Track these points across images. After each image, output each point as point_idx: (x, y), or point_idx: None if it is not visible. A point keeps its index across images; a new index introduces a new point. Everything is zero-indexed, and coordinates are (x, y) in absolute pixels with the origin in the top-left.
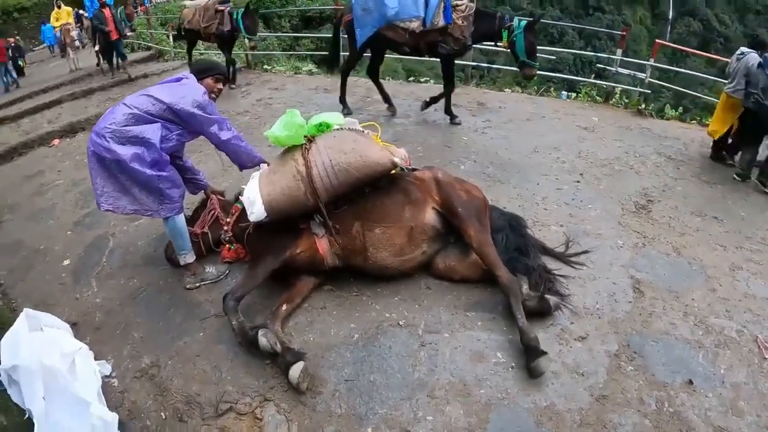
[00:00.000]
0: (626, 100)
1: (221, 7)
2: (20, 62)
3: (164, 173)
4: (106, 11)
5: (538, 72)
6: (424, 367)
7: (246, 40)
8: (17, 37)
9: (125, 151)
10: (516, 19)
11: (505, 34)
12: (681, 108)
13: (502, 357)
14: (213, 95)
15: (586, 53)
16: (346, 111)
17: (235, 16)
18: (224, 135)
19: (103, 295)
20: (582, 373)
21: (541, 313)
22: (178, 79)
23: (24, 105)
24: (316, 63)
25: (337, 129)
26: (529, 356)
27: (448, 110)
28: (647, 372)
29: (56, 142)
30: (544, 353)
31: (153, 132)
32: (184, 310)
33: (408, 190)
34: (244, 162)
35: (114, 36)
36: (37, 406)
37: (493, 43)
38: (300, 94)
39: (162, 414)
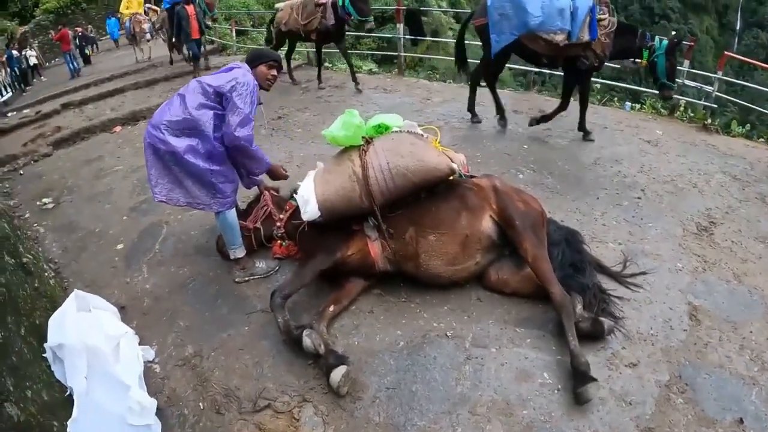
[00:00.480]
0: (691, 114)
1: (322, 1)
2: (87, 51)
3: (217, 167)
4: (190, 9)
5: (603, 81)
6: (467, 382)
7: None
8: (89, 26)
9: (179, 143)
10: (657, 39)
11: (645, 54)
12: (748, 125)
13: (548, 378)
14: (268, 82)
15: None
16: (476, 120)
17: (340, 3)
18: (241, 130)
19: (153, 282)
20: (629, 402)
21: (593, 336)
22: (230, 68)
23: (89, 92)
24: (377, 62)
25: (396, 131)
26: (577, 381)
27: (582, 127)
28: (697, 407)
29: (118, 129)
30: (593, 380)
31: (205, 120)
32: (231, 303)
33: (465, 197)
34: (252, 167)
35: (195, 35)
36: (78, 384)
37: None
38: (359, 93)
39: (200, 404)
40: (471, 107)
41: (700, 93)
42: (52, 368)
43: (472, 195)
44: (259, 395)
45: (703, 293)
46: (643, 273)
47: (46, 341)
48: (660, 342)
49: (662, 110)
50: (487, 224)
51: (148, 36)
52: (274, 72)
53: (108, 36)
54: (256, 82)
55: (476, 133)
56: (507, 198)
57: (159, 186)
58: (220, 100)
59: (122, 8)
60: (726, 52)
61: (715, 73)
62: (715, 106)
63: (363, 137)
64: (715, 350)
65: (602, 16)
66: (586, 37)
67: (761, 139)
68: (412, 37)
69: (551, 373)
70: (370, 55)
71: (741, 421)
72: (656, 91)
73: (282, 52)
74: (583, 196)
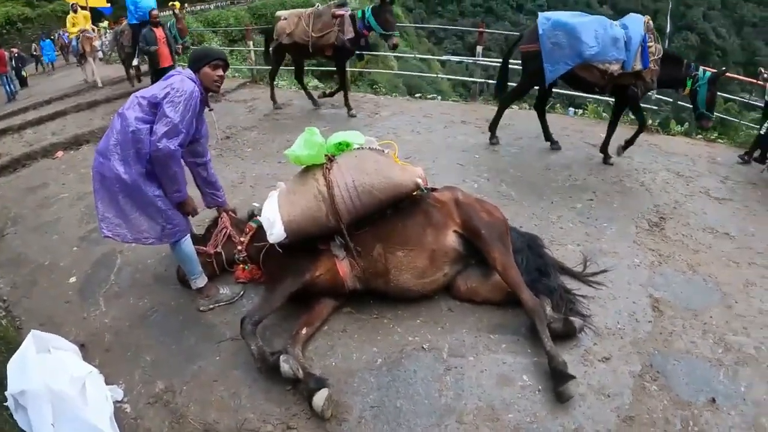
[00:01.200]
0: (631, 117)
1: (340, 12)
2: (23, 72)
3: (163, 192)
4: (158, 31)
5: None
6: (450, 392)
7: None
8: (19, 48)
9: (125, 169)
10: (701, 70)
11: (689, 83)
12: (686, 123)
13: (528, 380)
14: (216, 84)
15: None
16: (494, 141)
17: (360, 16)
18: (165, 141)
19: (113, 315)
20: (608, 395)
21: (566, 335)
22: (169, 76)
23: (28, 116)
24: (318, 78)
25: (357, 148)
26: (557, 380)
27: (627, 144)
28: (671, 392)
29: (60, 154)
30: (572, 377)
31: (143, 137)
32: (198, 333)
33: (429, 212)
34: (168, 188)
35: (166, 62)
36: None
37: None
38: (304, 109)
39: None
40: (493, 127)
41: None
42: (15, 417)
43: (435, 211)
44: (241, 427)
45: (662, 285)
46: (604, 271)
47: (6, 388)
48: (628, 335)
49: (604, 114)
50: (451, 238)
51: (100, 54)
52: (220, 72)
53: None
54: (197, 88)
55: (428, 146)
56: (470, 210)
57: (105, 221)
58: (155, 111)
59: (68, 26)
60: None
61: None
62: (655, 107)
63: (325, 155)
64: (680, 337)
65: (650, 44)
66: (638, 66)
67: (699, 136)
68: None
69: (530, 375)
70: (311, 71)
71: (713, 400)
72: (598, 97)
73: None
74: (538, 202)
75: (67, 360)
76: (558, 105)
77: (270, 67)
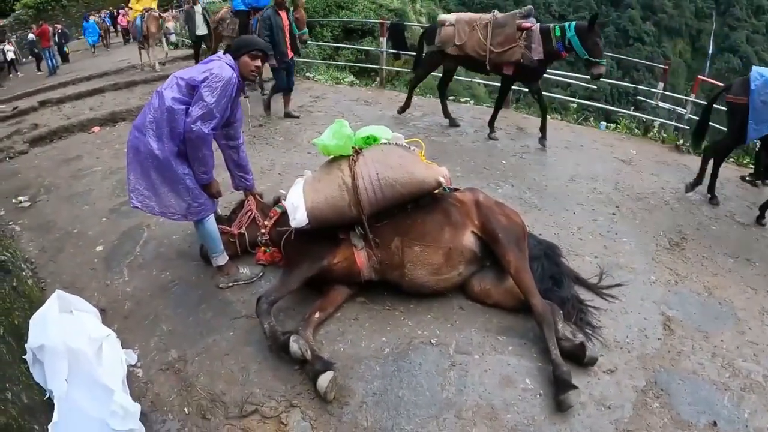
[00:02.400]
0: (664, 135)
1: (527, 24)
2: (65, 48)
3: (192, 172)
4: (283, 15)
5: (578, 100)
6: (453, 387)
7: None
8: (62, 25)
9: (159, 146)
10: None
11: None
12: None
13: (530, 383)
14: (252, 74)
15: (625, 84)
16: (714, 202)
17: (558, 34)
18: (200, 125)
19: (134, 285)
20: (608, 406)
21: (573, 358)
22: (209, 60)
23: (67, 90)
24: (354, 74)
25: (384, 143)
26: (559, 388)
27: None
28: (672, 410)
29: (96, 129)
30: (574, 387)
31: (178, 117)
32: (215, 308)
33: (449, 211)
34: (196, 170)
35: (290, 54)
36: (58, 387)
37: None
38: (340, 103)
39: (185, 409)
40: (711, 189)
41: (671, 114)
42: (31, 370)
43: (455, 210)
44: (246, 400)
45: (676, 304)
46: (619, 285)
47: (27, 342)
48: (636, 350)
49: (636, 130)
50: (469, 238)
51: (173, 37)
52: (258, 63)
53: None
54: (235, 75)
55: (456, 148)
56: (489, 212)
57: (136, 192)
58: (193, 93)
59: (132, 3)
60: (699, 76)
61: (689, 95)
62: (687, 127)
63: (353, 147)
64: (688, 358)
65: None
66: None
67: (730, 160)
68: (395, 51)
69: (533, 379)
70: (348, 67)
71: (714, 423)
72: (633, 113)
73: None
74: (560, 211)
75: (87, 322)
76: (592, 118)
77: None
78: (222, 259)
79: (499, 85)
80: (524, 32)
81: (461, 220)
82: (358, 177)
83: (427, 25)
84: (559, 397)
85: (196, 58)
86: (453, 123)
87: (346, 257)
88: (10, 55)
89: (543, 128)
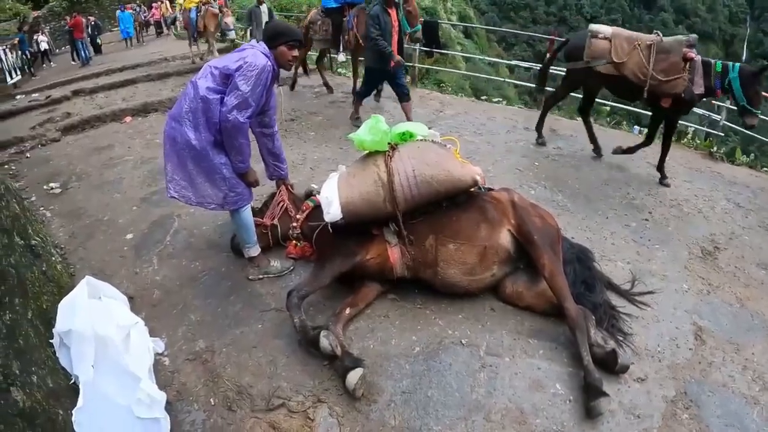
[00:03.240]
0: (697, 141)
1: (691, 54)
2: (98, 40)
3: (229, 161)
4: (393, 12)
5: (609, 103)
6: (482, 389)
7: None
8: (95, 17)
9: (195, 135)
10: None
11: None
12: (752, 154)
13: (560, 389)
14: (289, 63)
15: None
16: None
17: (719, 69)
18: (235, 114)
19: (164, 274)
20: (638, 415)
21: (605, 365)
22: (242, 49)
23: (100, 81)
24: None
25: (420, 140)
26: (590, 395)
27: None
28: (701, 422)
29: (128, 119)
30: (605, 394)
31: (213, 107)
32: (244, 300)
33: (484, 209)
34: (233, 159)
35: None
36: (84, 372)
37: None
38: (371, 100)
39: (211, 400)
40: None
41: (703, 120)
42: (57, 354)
43: (491, 208)
44: (273, 394)
45: (708, 314)
46: (651, 292)
47: (55, 326)
48: (667, 359)
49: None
50: (504, 238)
51: (232, 34)
52: (295, 53)
53: (116, 29)
54: (270, 64)
55: (489, 148)
56: (525, 213)
57: (173, 182)
58: (227, 82)
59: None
60: None
61: (723, 102)
62: (722, 134)
63: (388, 143)
64: (719, 369)
65: None
66: None
67: (765, 169)
68: (427, 49)
69: (563, 384)
70: None
71: None
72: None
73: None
74: (592, 215)
75: (116, 308)
76: (624, 123)
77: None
78: (254, 250)
79: (652, 117)
80: (689, 63)
81: (497, 219)
82: (394, 173)
83: (458, 23)
84: (590, 403)
85: None
86: (598, 152)
87: (380, 254)
88: (44, 46)
89: (661, 165)
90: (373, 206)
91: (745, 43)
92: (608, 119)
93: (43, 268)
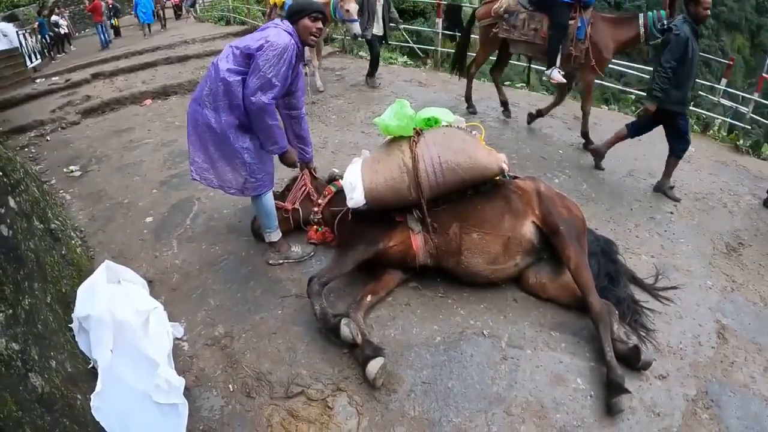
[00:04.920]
0: (723, 134)
1: None
2: (112, 21)
3: (251, 143)
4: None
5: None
6: (503, 382)
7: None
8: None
9: (215, 117)
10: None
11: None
12: None
13: (581, 383)
14: (312, 38)
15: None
16: None
17: None
18: (259, 96)
19: (183, 257)
20: (658, 413)
21: (627, 360)
22: (265, 27)
23: (120, 64)
24: (404, 54)
25: (446, 126)
26: (611, 392)
27: None
28: (721, 423)
29: (148, 102)
30: (627, 391)
31: (234, 89)
32: (264, 285)
33: (509, 198)
34: (264, 142)
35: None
36: (103, 357)
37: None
38: (394, 84)
39: (230, 386)
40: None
41: (727, 112)
42: (76, 339)
43: (516, 197)
44: (292, 381)
45: (731, 313)
46: (675, 288)
47: (74, 311)
48: (689, 357)
49: (695, 127)
50: (528, 228)
51: (356, 27)
52: (319, 24)
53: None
54: (293, 42)
55: (512, 135)
56: (551, 203)
57: (195, 164)
58: (249, 62)
59: None
60: (763, 74)
61: (751, 94)
62: (749, 127)
63: (414, 129)
64: (741, 370)
65: None
66: None
67: None
68: (450, 32)
69: (584, 379)
70: (399, 48)
71: None
72: (692, 109)
73: None
74: (617, 206)
75: (135, 293)
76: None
77: None
78: (275, 235)
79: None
80: None
81: (522, 209)
82: (419, 159)
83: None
84: (611, 400)
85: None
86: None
87: (403, 241)
88: (64, 30)
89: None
90: (397, 193)
91: None
92: (633, 108)
93: (63, 252)
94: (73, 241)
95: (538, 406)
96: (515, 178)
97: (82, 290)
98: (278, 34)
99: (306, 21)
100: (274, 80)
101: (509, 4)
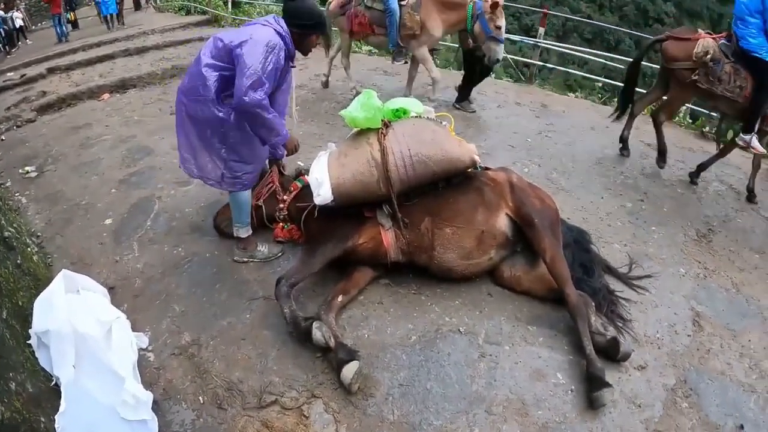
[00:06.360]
0: (688, 120)
1: None
2: (68, 15)
3: (228, 142)
4: None
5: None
6: (482, 380)
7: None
8: None
9: (196, 110)
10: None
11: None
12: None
13: (561, 378)
14: (309, 51)
15: (650, 65)
16: None
17: None
18: (252, 94)
19: (145, 261)
20: (639, 405)
21: (606, 353)
22: (254, 23)
23: (76, 57)
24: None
25: (415, 116)
26: (592, 386)
27: None
28: (701, 411)
29: (106, 96)
30: (608, 385)
31: (210, 84)
32: (230, 288)
33: (482, 190)
34: (268, 137)
35: None
36: (65, 373)
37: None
38: (359, 73)
39: (200, 398)
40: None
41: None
42: (36, 354)
43: (488, 190)
44: (265, 389)
45: (705, 300)
46: (649, 276)
47: (31, 326)
48: (666, 346)
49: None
50: (502, 221)
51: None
52: (314, 38)
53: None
54: (283, 43)
55: (479, 123)
56: (524, 195)
57: (180, 153)
58: (230, 58)
59: None
60: None
61: None
62: (716, 114)
63: (382, 120)
64: (717, 357)
65: None
66: None
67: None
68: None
69: (564, 374)
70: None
71: (741, 427)
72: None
73: None
74: (587, 195)
75: (96, 303)
76: (616, 99)
77: None
78: (245, 231)
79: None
80: None
81: (495, 201)
82: (389, 152)
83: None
84: (592, 394)
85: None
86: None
87: (373, 237)
88: (19, 23)
89: None
90: (366, 187)
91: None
92: (600, 95)
93: (18, 261)
94: (29, 249)
95: (519, 404)
96: (486, 169)
97: (39, 303)
98: (266, 33)
99: (314, 37)
100: (263, 77)
101: (713, 50)
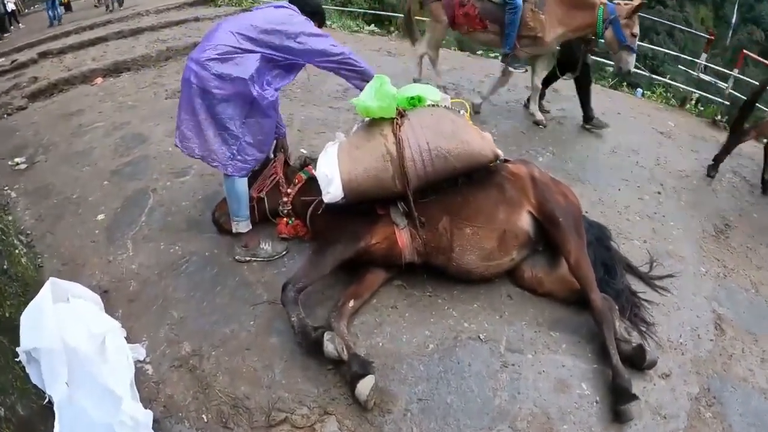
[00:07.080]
0: (700, 108)
1: None
2: None
3: (251, 119)
4: None
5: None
6: (505, 393)
7: None
8: None
9: (216, 82)
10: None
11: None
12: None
13: (586, 389)
14: None
15: (663, 50)
16: None
17: None
18: (339, 48)
19: (140, 261)
20: (664, 416)
21: (632, 362)
22: (281, 6)
23: (69, 40)
24: (368, 23)
25: (431, 105)
26: (619, 398)
27: None
28: (725, 421)
29: (99, 80)
30: (636, 398)
31: (250, 63)
32: (232, 291)
33: (503, 186)
34: (358, 82)
35: None
36: (58, 392)
37: None
38: (361, 53)
39: (204, 416)
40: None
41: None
42: (27, 370)
43: (509, 185)
44: (273, 406)
45: (725, 301)
46: (671, 276)
47: (20, 343)
48: (689, 352)
49: (673, 101)
50: (525, 220)
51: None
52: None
53: None
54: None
55: (488, 108)
56: (547, 190)
57: (179, 130)
58: (270, 39)
59: None
60: (745, 51)
61: (731, 70)
62: (728, 103)
63: (397, 109)
64: (739, 363)
65: None
66: None
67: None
68: None
69: (588, 384)
70: (362, 15)
71: None
72: (670, 82)
73: None
74: (604, 187)
75: (87, 312)
76: (625, 84)
77: None
78: (244, 226)
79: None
80: None
81: (517, 198)
82: (405, 145)
83: None
84: (619, 407)
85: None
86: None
87: (386, 237)
88: (11, 6)
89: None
90: (380, 183)
91: (736, 7)
92: (610, 79)
93: (5, 266)
94: (17, 251)
95: (544, 418)
96: (505, 161)
97: (26, 317)
98: (299, 16)
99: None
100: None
101: None
